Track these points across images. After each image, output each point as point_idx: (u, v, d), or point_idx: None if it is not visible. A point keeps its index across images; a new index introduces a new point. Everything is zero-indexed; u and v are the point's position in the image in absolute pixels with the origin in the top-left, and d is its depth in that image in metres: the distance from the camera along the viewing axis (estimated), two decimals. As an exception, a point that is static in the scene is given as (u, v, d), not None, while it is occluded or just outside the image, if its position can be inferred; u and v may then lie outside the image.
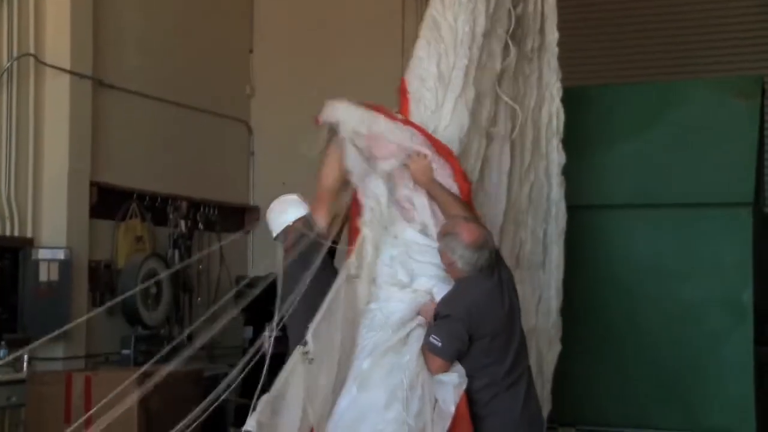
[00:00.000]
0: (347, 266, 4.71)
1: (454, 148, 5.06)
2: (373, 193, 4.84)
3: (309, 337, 4.30)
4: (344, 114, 4.93)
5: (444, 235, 4.61)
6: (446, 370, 4.43)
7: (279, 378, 4.25)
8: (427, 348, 4.42)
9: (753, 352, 6.23)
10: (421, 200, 4.85)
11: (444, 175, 4.86)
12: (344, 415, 4.30)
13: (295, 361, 4.28)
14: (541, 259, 5.88)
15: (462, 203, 4.81)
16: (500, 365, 4.49)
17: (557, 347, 5.80)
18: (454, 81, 5.17)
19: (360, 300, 4.63)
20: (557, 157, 6.07)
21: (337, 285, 4.57)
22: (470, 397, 4.44)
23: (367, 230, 4.76)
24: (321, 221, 4.93)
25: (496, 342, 4.49)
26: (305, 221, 5.09)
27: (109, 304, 7.13)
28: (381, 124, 4.91)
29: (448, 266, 4.60)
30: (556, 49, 6.09)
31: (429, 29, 5.31)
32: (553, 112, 6.07)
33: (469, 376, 4.45)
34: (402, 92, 5.23)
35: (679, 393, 6.31)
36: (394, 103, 9.51)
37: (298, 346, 4.34)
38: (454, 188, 4.85)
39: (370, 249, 4.71)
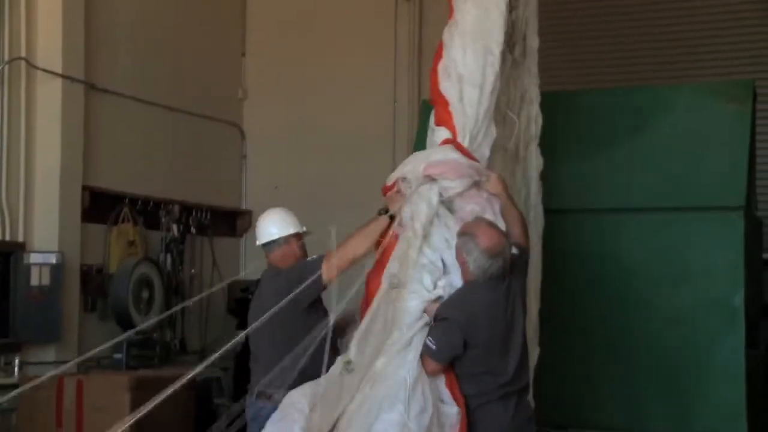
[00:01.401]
0: (388, 275, 4.68)
1: (483, 164, 5.09)
2: (426, 199, 4.81)
3: (353, 346, 4.38)
4: (410, 164, 4.99)
5: (462, 234, 4.58)
6: (440, 372, 4.43)
7: (323, 381, 4.35)
8: (423, 349, 4.42)
9: (744, 355, 6.23)
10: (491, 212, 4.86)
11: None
12: (355, 415, 4.29)
13: (337, 370, 4.36)
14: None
15: (522, 221, 4.91)
16: (494, 376, 4.47)
17: (537, 350, 5.81)
18: (486, 97, 5.15)
19: (404, 309, 4.59)
20: (536, 161, 6.07)
21: (380, 295, 4.59)
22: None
23: (411, 235, 4.73)
24: (328, 274, 4.87)
25: (491, 354, 4.47)
26: (300, 237, 5.25)
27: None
28: (454, 153, 4.96)
29: (461, 265, 4.59)
30: (536, 55, 6.10)
31: (473, 38, 5.20)
32: (531, 117, 6.07)
33: (460, 380, 4.46)
34: (441, 104, 5.17)
35: (670, 396, 6.32)
36: (388, 105, 9.61)
37: (340, 357, 4.43)
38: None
39: (414, 256, 4.68)
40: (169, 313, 7.68)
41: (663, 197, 6.62)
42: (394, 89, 9.65)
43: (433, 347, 4.39)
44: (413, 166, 4.97)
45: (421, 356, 4.42)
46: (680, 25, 9.75)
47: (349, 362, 4.34)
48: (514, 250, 4.68)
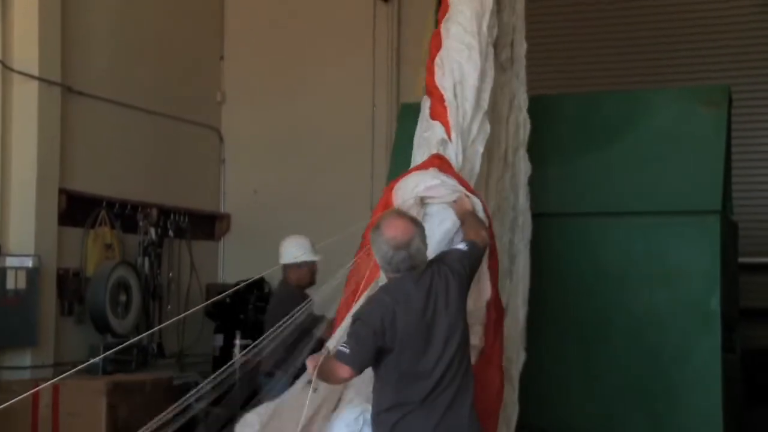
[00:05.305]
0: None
1: (477, 163, 5.07)
2: None
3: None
4: (401, 190, 4.87)
5: (371, 227, 4.32)
6: (351, 378, 4.11)
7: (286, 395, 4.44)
8: (336, 355, 4.04)
9: (721, 359, 6.27)
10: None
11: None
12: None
13: (301, 385, 4.36)
14: (507, 267, 5.86)
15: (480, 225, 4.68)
16: (413, 381, 4.10)
17: (523, 355, 5.81)
18: (484, 96, 5.14)
19: None
20: (524, 166, 6.09)
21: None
22: (378, 416, 4.16)
23: None
24: None
25: (403, 354, 4.09)
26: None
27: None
28: (434, 180, 4.83)
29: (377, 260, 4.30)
30: (524, 61, 6.12)
31: (471, 35, 5.18)
32: (520, 122, 6.10)
33: (376, 393, 4.19)
34: (437, 98, 5.11)
35: (647, 400, 6.34)
36: (367, 108, 9.61)
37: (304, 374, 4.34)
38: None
39: None
40: (157, 327, 7.78)
41: (639, 201, 6.65)
42: (372, 93, 9.66)
43: (347, 351, 4.01)
44: (402, 196, 4.81)
45: (332, 364, 4.01)
46: (659, 30, 9.80)
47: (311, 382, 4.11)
48: (462, 245, 4.44)
